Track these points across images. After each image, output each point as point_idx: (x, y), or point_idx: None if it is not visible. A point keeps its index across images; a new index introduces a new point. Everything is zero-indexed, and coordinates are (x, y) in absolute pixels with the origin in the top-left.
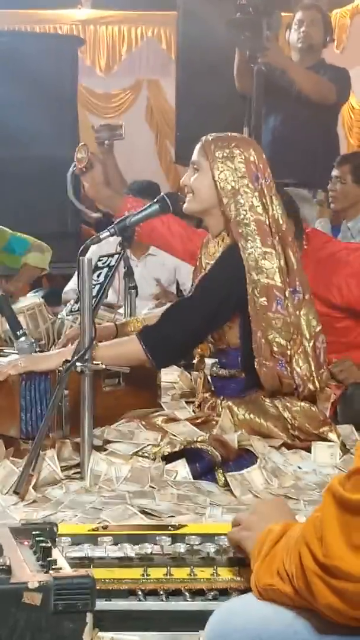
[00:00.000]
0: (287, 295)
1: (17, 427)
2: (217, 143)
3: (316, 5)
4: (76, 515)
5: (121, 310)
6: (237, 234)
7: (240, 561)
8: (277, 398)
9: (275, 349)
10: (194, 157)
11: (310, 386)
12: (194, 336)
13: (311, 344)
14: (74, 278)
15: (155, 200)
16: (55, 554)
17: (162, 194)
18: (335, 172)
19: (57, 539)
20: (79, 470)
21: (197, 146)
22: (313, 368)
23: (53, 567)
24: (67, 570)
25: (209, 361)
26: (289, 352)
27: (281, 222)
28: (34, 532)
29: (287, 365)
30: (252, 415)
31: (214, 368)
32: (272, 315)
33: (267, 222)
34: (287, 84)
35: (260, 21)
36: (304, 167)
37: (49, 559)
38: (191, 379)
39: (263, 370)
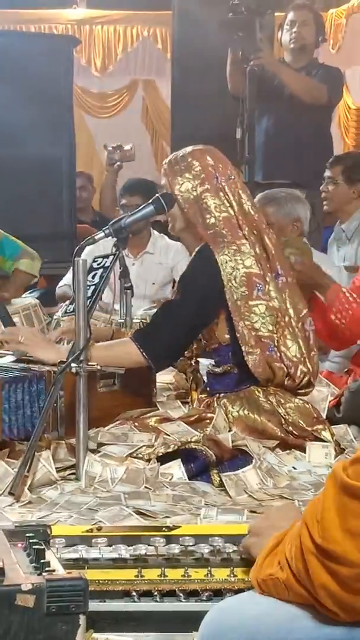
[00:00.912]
0: (267, 280)
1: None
2: (172, 160)
3: (308, 5)
4: (71, 516)
5: (116, 309)
6: (208, 237)
7: (234, 562)
8: (272, 394)
9: (264, 334)
10: (161, 182)
11: (302, 367)
12: (186, 334)
13: (299, 325)
14: (69, 274)
15: (150, 201)
16: (49, 555)
17: (157, 195)
18: (327, 173)
19: (51, 541)
20: (74, 471)
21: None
22: (304, 350)
23: (46, 569)
24: (60, 572)
25: (204, 361)
26: (275, 336)
27: (252, 212)
28: (27, 534)
29: (276, 349)
30: (246, 412)
31: (210, 367)
32: (253, 303)
33: (235, 217)
34: (280, 85)
35: (253, 21)
36: (296, 168)
37: (42, 561)
38: (186, 379)
39: (251, 359)
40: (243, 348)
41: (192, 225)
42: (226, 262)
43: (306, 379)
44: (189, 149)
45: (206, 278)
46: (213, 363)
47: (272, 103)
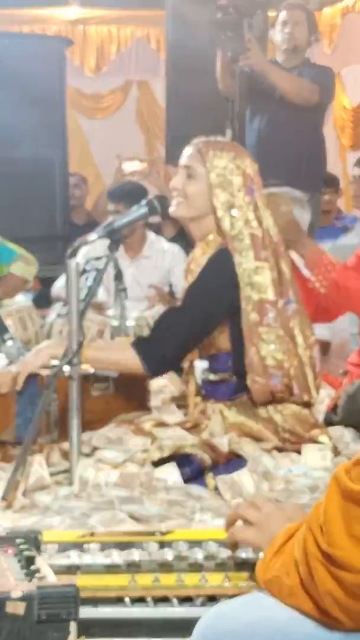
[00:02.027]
0: (279, 307)
1: (13, 431)
2: (216, 151)
3: (300, 5)
4: (65, 521)
5: (111, 312)
6: (232, 248)
7: (228, 567)
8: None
9: (271, 363)
10: (188, 161)
11: (305, 396)
12: (186, 343)
13: (307, 353)
14: (64, 276)
15: (143, 203)
16: (39, 562)
17: (149, 196)
18: (357, 172)
19: (42, 547)
20: (67, 475)
21: (191, 150)
22: (309, 379)
23: (37, 575)
24: (51, 579)
25: (199, 365)
26: (286, 365)
27: (272, 234)
28: (17, 541)
29: (284, 377)
30: (242, 418)
31: (204, 374)
32: (263, 330)
33: (261, 236)
34: (271, 85)
35: (241, 22)
36: (289, 169)
37: (32, 567)
38: (182, 383)
39: (255, 387)
40: (249, 375)
41: (204, 216)
42: (246, 284)
43: (306, 404)
44: (229, 144)
45: (221, 285)
46: (207, 368)
47: (264, 103)
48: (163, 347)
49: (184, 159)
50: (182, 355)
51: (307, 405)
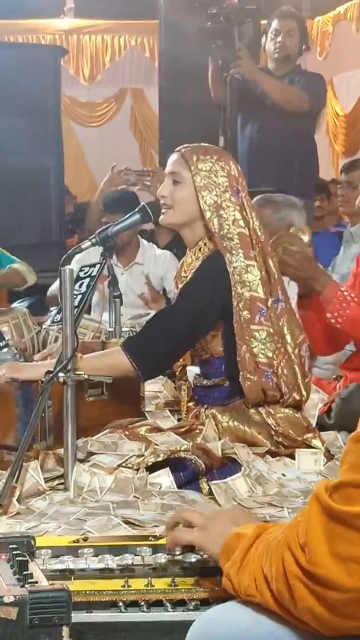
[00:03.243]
0: (269, 305)
1: (15, 435)
2: (199, 156)
3: (292, 14)
4: (60, 527)
5: (105, 317)
6: (222, 248)
7: (221, 571)
8: (261, 405)
9: (262, 360)
10: (173, 167)
11: (296, 395)
12: (178, 345)
13: (296, 351)
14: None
15: (136, 209)
16: (32, 567)
17: (142, 203)
18: (344, 178)
19: (36, 552)
20: (62, 481)
21: (174, 157)
22: (299, 377)
23: (29, 580)
24: (43, 583)
25: (192, 370)
26: (275, 363)
27: (259, 233)
28: (10, 546)
29: (273, 376)
30: (236, 423)
31: (197, 378)
32: (255, 327)
33: (249, 235)
34: (262, 93)
35: (231, 30)
36: (281, 175)
37: (25, 572)
38: (175, 388)
39: (247, 384)
40: (241, 372)
41: (194, 221)
42: (237, 282)
43: (297, 403)
44: (212, 148)
45: (215, 288)
46: (199, 373)
47: (255, 111)
48: (153, 348)
49: (169, 167)
50: (173, 356)
51: (299, 405)
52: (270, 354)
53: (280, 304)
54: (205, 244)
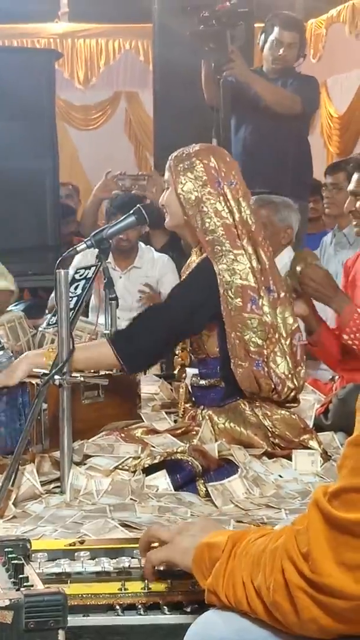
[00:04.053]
0: (261, 294)
1: None
2: (178, 156)
3: (296, 24)
4: (56, 530)
5: (102, 320)
6: (205, 242)
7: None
8: (257, 406)
9: (252, 348)
10: (165, 175)
11: (289, 384)
12: (163, 342)
13: (288, 341)
14: None
15: (131, 212)
16: (28, 570)
17: (137, 205)
18: (330, 180)
19: (32, 555)
20: (59, 484)
21: (167, 164)
22: (291, 366)
23: (25, 584)
24: (39, 587)
25: (190, 371)
26: (265, 352)
27: (250, 222)
28: (6, 549)
29: (264, 365)
30: (232, 424)
31: (194, 378)
32: (247, 315)
33: (235, 225)
34: (255, 95)
35: (223, 33)
36: (275, 177)
37: (20, 576)
38: (172, 390)
39: (239, 371)
40: (232, 360)
41: (185, 223)
42: (224, 271)
43: (292, 394)
44: (196, 147)
45: (205, 291)
46: (197, 374)
47: (248, 113)
48: (140, 344)
49: (165, 175)
50: (158, 353)
51: (294, 398)
52: (260, 342)
53: (273, 294)
54: (199, 246)
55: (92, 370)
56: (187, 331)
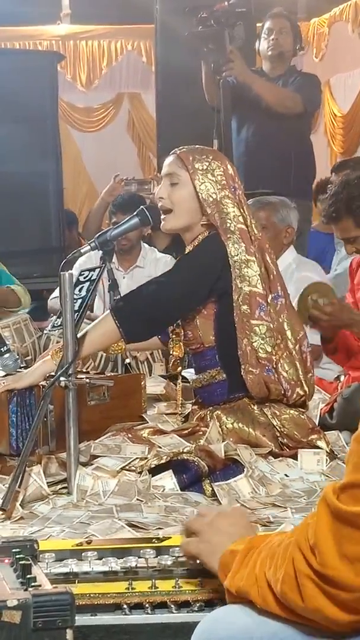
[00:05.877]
0: (269, 301)
1: (7, 443)
2: (195, 156)
3: (284, 14)
4: (64, 531)
5: None
6: (226, 238)
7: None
8: (266, 406)
9: (261, 355)
10: (170, 169)
11: (299, 390)
12: (165, 310)
13: (297, 347)
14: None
15: (135, 213)
16: (35, 571)
17: (141, 207)
18: (334, 178)
19: (40, 556)
20: (66, 485)
21: (171, 159)
22: (300, 372)
23: (32, 584)
24: (46, 587)
25: (189, 377)
26: (274, 358)
27: (256, 231)
28: (14, 550)
29: (274, 370)
30: (240, 425)
31: (195, 380)
32: (255, 322)
33: (248, 231)
34: (256, 95)
35: (222, 33)
36: (277, 177)
37: (28, 576)
38: (177, 390)
39: (249, 378)
40: (243, 366)
41: (195, 224)
42: (237, 276)
43: (302, 400)
44: (207, 149)
45: (210, 261)
46: (195, 371)
47: (249, 113)
48: (140, 310)
49: (165, 168)
50: (158, 321)
51: (303, 403)
52: (269, 349)
53: (280, 300)
54: (202, 233)
55: (97, 364)
56: (188, 301)
